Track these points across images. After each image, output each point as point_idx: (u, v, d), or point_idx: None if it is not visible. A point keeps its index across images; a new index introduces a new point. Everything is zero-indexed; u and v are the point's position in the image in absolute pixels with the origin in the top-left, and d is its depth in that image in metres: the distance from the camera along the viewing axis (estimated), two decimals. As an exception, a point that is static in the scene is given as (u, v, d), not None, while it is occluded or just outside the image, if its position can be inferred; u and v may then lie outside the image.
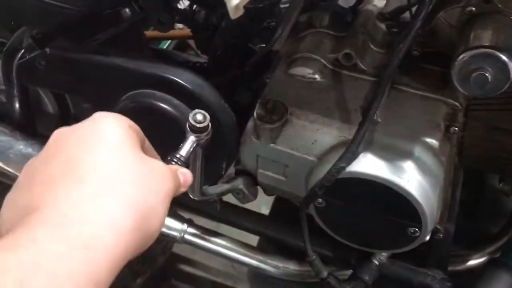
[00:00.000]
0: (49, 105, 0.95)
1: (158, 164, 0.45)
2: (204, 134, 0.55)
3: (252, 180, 0.82)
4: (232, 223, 0.90)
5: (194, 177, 0.70)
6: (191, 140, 0.55)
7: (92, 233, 0.35)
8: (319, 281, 0.80)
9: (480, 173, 0.99)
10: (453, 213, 0.83)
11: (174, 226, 0.86)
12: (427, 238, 0.71)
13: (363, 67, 0.77)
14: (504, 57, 0.60)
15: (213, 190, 0.79)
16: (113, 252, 0.36)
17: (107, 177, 0.39)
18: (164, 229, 0.86)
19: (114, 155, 0.40)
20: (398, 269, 0.80)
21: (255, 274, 1.04)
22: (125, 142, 0.42)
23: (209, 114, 0.76)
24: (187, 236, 0.86)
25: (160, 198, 0.42)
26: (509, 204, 0.90)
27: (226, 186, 0.80)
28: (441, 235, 0.75)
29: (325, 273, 0.75)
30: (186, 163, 0.55)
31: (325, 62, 0.78)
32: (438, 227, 0.73)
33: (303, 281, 0.88)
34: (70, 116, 0.99)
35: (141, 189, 0.40)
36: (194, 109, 0.77)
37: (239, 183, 0.82)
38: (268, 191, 0.84)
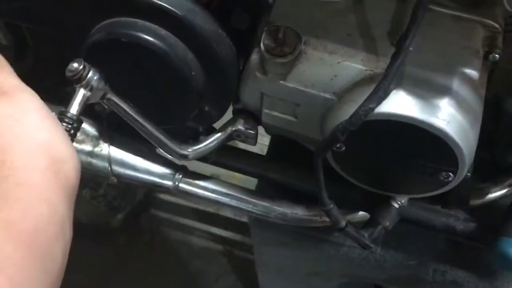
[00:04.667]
0: (2, 37, 0.79)
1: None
2: (85, 82, 0.53)
3: (254, 120, 0.72)
4: (230, 167, 0.80)
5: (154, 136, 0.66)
6: (80, 94, 0.52)
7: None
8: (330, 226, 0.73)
9: (497, 100, 0.91)
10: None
11: (166, 175, 0.75)
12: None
13: (385, -18, 0.65)
14: None
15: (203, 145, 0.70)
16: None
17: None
18: (155, 179, 0.75)
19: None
20: (419, 211, 0.73)
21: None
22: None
23: (204, 45, 0.64)
24: (181, 185, 0.76)
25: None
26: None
27: (221, 135, 0.70)
28: (469, 174, 0.68)
29: (343, 223, 0.68)
30: (79, 121, 0.51)
31: (340, -23, 0.65)
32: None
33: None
34: (28, 48, 0.83)
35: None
36: (184, 40, 0.65)
37: (238, 124, 0.72)
38: (272, 131, 0.73)
